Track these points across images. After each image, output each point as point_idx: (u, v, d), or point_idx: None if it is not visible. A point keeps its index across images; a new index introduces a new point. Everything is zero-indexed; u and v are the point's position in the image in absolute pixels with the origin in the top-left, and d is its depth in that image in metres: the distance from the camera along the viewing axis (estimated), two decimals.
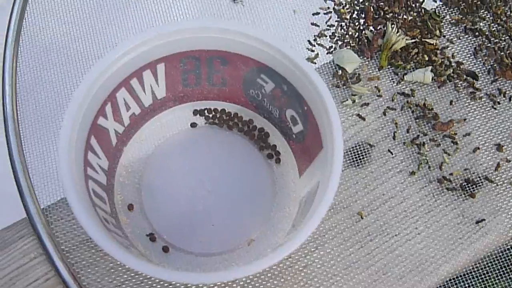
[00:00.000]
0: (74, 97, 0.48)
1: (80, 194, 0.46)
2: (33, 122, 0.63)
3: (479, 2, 0.68)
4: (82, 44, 0.67)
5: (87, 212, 0.45)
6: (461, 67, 0.65)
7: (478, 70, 0.66)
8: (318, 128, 0.51)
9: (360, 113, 0.62)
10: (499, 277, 0.58)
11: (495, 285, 0.58)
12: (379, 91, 0.63)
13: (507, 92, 0.65)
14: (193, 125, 0.60)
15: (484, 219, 0.59)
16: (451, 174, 0.60)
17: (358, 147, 0.61)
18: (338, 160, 0.48)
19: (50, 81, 0.65)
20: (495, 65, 0.65)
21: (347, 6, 0.68)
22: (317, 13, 0.68)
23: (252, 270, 0.45)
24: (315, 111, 0.51)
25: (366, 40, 0.65)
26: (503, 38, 0.66)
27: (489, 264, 0.58)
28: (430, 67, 0.64)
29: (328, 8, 0.68)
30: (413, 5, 0.67)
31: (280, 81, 0.53)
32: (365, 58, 0.65)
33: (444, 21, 0.67)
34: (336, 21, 0.67)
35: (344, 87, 0.63)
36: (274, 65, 0.52)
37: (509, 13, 0.67)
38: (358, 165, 0.61)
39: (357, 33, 0.66)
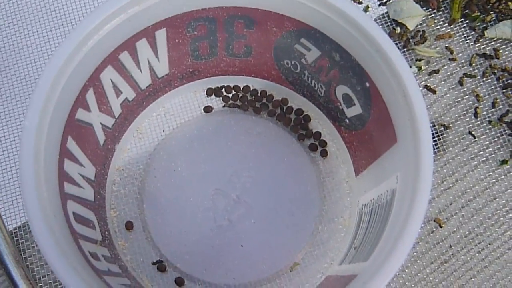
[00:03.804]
0: (39, 86, 0.35)
1: (56, 232, 0.33)
2: None
3: None
4: (54, 7, 0.51)
5: (65, 258, 0.32)
6: None
7: None
8: (388, 113, 0.38)
9: (428, 84, 0.50)
10: None
11: None
12: (451, 53, 0.51)
13: None
14: (208, 109, 0.47)
15: None
16: None
17: None
18: (427, 163, 0.35)
19: (12, 61, 0.49)
20: None
21: None
22: None
23: None
24: (383, 89, 0.38)
25: None
26: None
27: None
28: None
29: None
30: None
31: (330, 47, 0.40)
32: (431, 9, 0.52)
33: None
34: None
35: (405, 49, 0.50)
36: (322, 25, 0.39)
37: None
38: None
39: None
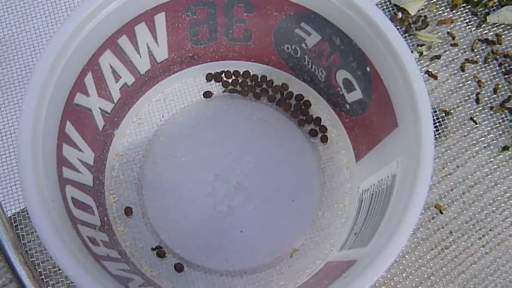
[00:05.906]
0: (37, 69, 0.35)
1: (54, 216, 0.33)
2: None
3: None
4: None
5: (64, 243, 0.32)
6: None
7: None
8: (389, 98, 0.37)
9: (430, 69, 0.49)
10: None
11: None
12: (453, 38, 0.50)
13: None
14: (207, 94, 0.47)
15: None
16: None
17: None
18: (428, 147, 0.34)
19: (10, 46, 0.49)
20: None
21: None
22: None
23: None
24: (384, 73, 0.38)
25: None
26: None
27: None
28: None
29: None
30: None
31: (330, 31, 0.40)
32: None
33: None
34: None
35: (407, 35, 0.49)
36: (323, 9, 0.39)
37: None
38: None
39: None
